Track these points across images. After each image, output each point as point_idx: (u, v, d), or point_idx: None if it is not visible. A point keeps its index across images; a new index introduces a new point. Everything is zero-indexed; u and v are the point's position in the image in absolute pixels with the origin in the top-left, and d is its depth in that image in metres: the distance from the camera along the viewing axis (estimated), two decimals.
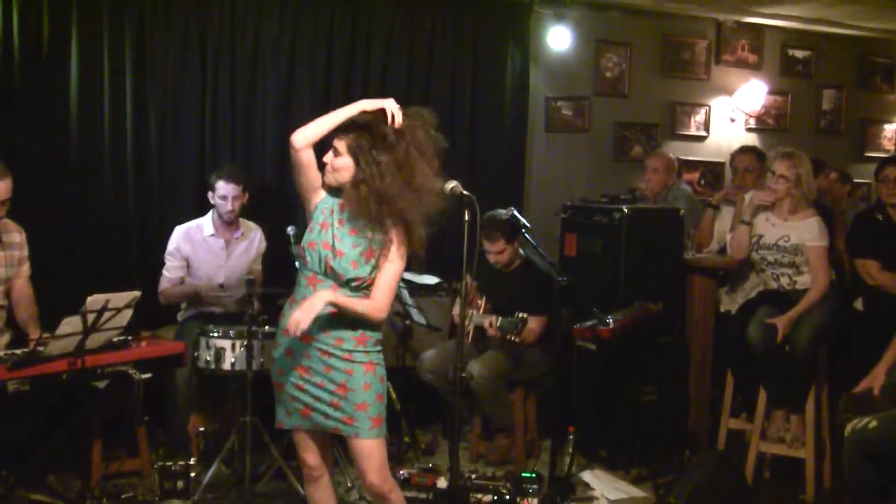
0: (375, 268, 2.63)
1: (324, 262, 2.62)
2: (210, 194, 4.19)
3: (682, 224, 4.45)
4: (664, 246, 4.32)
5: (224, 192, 4.11)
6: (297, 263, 2.76)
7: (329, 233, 2.64)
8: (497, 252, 4.12)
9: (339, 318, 2.63)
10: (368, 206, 2.55)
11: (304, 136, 2.59)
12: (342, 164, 2.60)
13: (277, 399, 2.75)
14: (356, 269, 2.61)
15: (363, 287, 2.64)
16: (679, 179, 5.45)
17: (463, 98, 5.23)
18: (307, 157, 2.62)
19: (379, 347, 2.73)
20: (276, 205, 4.73)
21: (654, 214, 4.53)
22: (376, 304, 2.63)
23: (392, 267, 2.63)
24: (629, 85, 5.84)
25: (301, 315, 2.50)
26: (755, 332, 3.88)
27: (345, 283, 2.63)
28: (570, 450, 3.79)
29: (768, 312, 3.91)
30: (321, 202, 2.69)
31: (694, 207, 5.00)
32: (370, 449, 2.64)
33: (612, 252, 4.24)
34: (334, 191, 2.69)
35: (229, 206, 4.13)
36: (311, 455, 2.77)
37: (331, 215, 2.66)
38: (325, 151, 2.65)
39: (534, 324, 3.96)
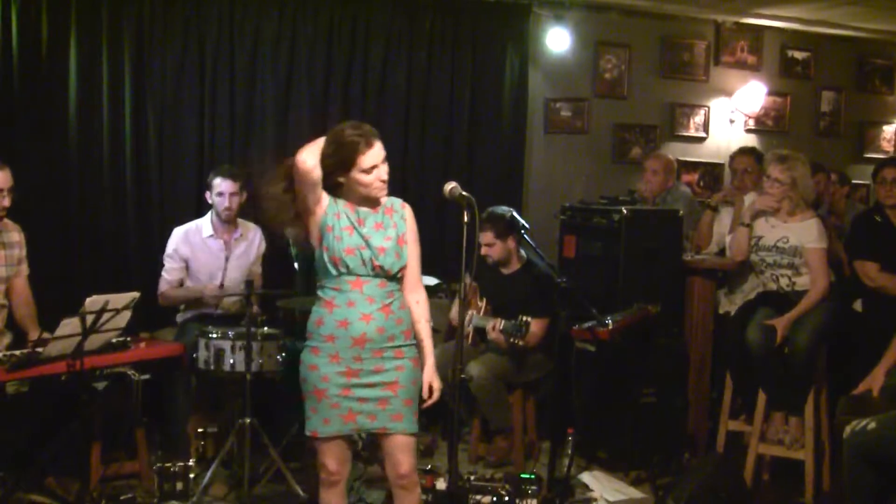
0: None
1: (369, 262, 2.64)
2: (208, 194, 4.19)
3: (681, 225, 4.44)
4: (663, 247, 4.31)
5: (222, 188, 4.12)
6: (326, 271, 2.69)
7: (357, 234, 2.66)
8: (486, 244, 4.11)
9: (390, 316, 2.65)
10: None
11: (314, 155, 2.59)
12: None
13: (313, 407, 2.67)
14: (399, 259, 2.67)
15: (403, 276, 2.71)
16: (678, 181, 5.46)
17: (462, 99, 5.24)
18: (319, 174, 2.60)
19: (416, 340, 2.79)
20: None
21: (653, 216, 4.53)
22: (422, 291, 2.80)
23: (416, 248, 2.75)
24: (628, 86, 5.85)
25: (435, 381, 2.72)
26: (754, 334, 3.88)
27: (392, 277, 2.67)
28: (570, 451, 3.78)
29: (767, 314, 3.91)
30: (328, 208, 2.68)
31: (693, 209, 4.99)
32: (412, 443, 2.69)
33: (611, 254, 4.24)
34: (335, 195, 2.69)
35: (227, 203, 4.13)
36: (333, 461, 2.71)
37: (347, 218, 2.67)
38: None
39: (535, 327, 3.97)
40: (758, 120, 6.27)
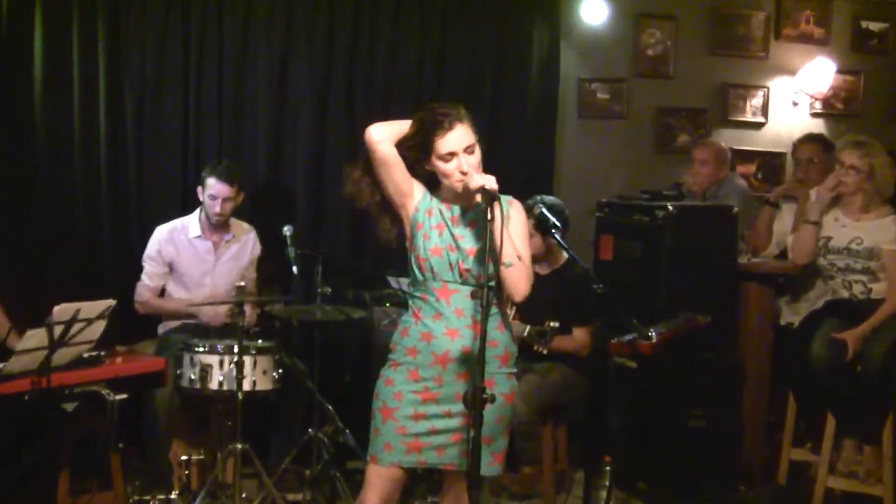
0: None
1: (456, 265, 2.63)
2: (200, 189, 4.21)
3: (736, 224, 4.44)
4: (714, 249, 4.32)
5: (214, 191, 4.13)
6: (414, 276, 2.69)
7: (448, 234, 2.65)
8: None
9: (481, 335, 2.56)
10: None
11: (385, 128, 2.61)
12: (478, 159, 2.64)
13: (376, 429, 2.66)
14: (491, 264, 2.58)
15: (498, 286, 2.60)
16: (732, 172, 5.46)
17: (483, 80, 5.23)
18: (390, 152, 2.61)
19: (516, 369, 2.75)
20: (269, 203, 4.76)
21: (703, 213, 4.54)
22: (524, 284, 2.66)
23: (525, 249, 2.68)
24: (674, 64, 5.83)
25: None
26: (821, 349, 3.87)
27: (482, 286, 2.58)
28: (607, 482, 3.76)
29: (836, 325, 3.90)
30: (420, 203, 2.69)
31: (749, 204, 4.99)
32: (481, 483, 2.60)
33: (654, 256, 4.24)
34: (429, 189, 2.70)
35: (218, 209, 4.15)
36: (375, 497, 2.65)
37: (440, 216, 2.68)
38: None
39: (582, 336, 4.00)
40: (825, 102, 6.22)
